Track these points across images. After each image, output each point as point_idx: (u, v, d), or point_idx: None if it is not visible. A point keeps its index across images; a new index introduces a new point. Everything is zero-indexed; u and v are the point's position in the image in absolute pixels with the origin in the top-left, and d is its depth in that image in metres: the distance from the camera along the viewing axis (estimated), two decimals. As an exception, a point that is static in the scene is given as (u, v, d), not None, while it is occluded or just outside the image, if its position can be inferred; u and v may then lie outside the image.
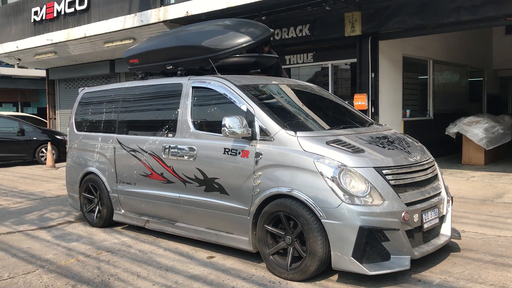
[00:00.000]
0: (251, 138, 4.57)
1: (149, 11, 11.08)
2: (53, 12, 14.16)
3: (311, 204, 4.07)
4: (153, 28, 11.25)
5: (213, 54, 5.48)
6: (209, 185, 4.94)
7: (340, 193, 3.99)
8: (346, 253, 3.96)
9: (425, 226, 4.32)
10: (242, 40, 5.47)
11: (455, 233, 4.85)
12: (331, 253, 4.03)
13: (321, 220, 4.03)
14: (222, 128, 4.53)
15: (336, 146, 4.26)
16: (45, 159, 14.13)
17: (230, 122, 4.48)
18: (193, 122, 5.20)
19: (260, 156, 4.48)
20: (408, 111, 10.87)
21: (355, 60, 9.97)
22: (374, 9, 9.06)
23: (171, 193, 5.37)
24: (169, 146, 5.34)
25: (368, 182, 4.04)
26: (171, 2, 10.65)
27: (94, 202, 6.53)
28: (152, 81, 6.05)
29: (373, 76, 9.47)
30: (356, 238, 3.92)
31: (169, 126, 5.44)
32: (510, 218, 6.10)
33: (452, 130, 10.58)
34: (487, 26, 9.60)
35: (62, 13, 13.83)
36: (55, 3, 14.07)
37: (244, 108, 4.72)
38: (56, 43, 14.02)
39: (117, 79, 15.40)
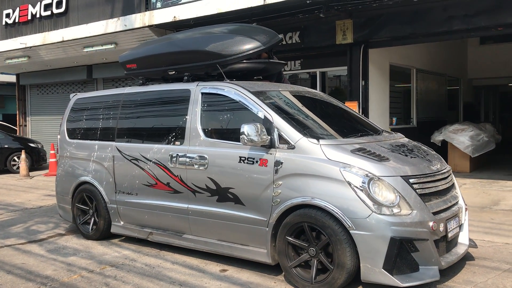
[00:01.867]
0: (270, 146, 4.41)
1: (133, 15, 10.76)
2: (27, 15, 13.58)
3: (339, 215, 3.94)
4: (137, 33, 10.94)
5: (222, 60, 5.29)
6: (222, 195, 4.74)
7: (370, 203, 3.88)
8: (376, 265, 3.85)
9: (449, 235, 4.26)
10: (252, 45, 5.30)
11: (471, 241, 4.82)
12: (361, 265, 3.91)
13: (350, 231, 3.90)
14: (241, 136, 4.36)
15: (362, 154, 4.15)
16: (17, 168, 13.53)
17: (249, 130, 4.31)
18: (204, 130, 4.99)
19: (280, 165, 4.32)
20: (394, 119, 10.96)
21: (344, 67, 9.98)
22: (366, 17, 9.09)
23: (179, 203, 5.14)
24: (177, 154, 5.11)
25: (396, 191, 3.95)
26: (157, 7, 10.38)
27: (89, 213, 6.19)
28: (155, 87, 5.81)
29: (364, 84, 9.49)
30: (387, 249, 3.82)
31: (176, 133, 5.21)
32: (513, 225, 6.15)
33: (437, 137, 10.71)
34: (478, 35, 9.81)
35: (38, 16, 13.28)
36: (30, 6, 13.51)
37: (261, 115, 4.56)
38: (31, 47, 13.44)
39: (94, 85, 14.92)
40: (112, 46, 11.78)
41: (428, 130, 11.42)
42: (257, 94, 4.80)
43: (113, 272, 4.88)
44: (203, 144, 4.95)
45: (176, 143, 5.18)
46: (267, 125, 4.45)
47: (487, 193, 8.08)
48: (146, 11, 10.63)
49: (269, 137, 4.39)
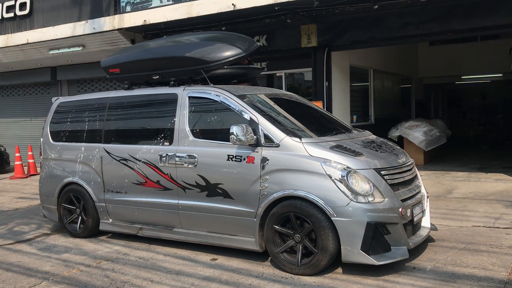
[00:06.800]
0: (256, 144, 4.88)
1: (103, 18, 10.91)
2: (-13, 16, 13.41)
3: (322, 204, 4.46)
4: (107, 36, 11.11)
5: (205, 65, 5.70)
6: (212, 190, 5.17)
7: (348, 193, 4.43)
8: (355, 247, 4.40)
9: (415, 219, 4.88)
10: (234, 52, 5.75)
11: (432, 225, 5.48)
12: (341, 247, 4.45)
13: (332, 218, 4.43)
14: (230, 136, 4.80)
15: (339, 150, 4.70)
16: (-20, 172, 13.34)
17: (238, 130, 4.76)
18: (192, 131, 5.39)
19: (267, 162, 4.80)
20: (355, 117, 11.67)
21: (308, 69, 10.57)
22: (328, 22, 9.70)
23: (169, 199, 5.51)
24: (167, 154, 5.48)
25: (370, 182, 4.52)
26: (126, 10, 10.60)
27: (76, 212, 6.45)
28: (141, 91, 6.14)
29: (327, 84, 10.11)
30: (364, 233, 4.37)
31: (165, 135, 5.58)
32: (465, 210, 6.90)
33: (394, 133, 11.50)
34: (431, 39, 10.63)
35: (-1, 17, 13.17)
36: (-10, 7, 13.35)
37: (246, 117, 5.01)
38: (-8, 49, 13.30)
39: (59, 87, 14.83)
40: (80, 48, 11.88)
41: (384, 126, 12.21)
42: (241, 97, 5.26)
43: (110, 265, 5.22)
44: (191, 144, 5.35)
45: (165, 143, 5.56)
46: (253, 125, 4.92)
47: (441, 183, 8.89)
48: (115, 14, 10.81)
49: (255, 136, 4.86)
